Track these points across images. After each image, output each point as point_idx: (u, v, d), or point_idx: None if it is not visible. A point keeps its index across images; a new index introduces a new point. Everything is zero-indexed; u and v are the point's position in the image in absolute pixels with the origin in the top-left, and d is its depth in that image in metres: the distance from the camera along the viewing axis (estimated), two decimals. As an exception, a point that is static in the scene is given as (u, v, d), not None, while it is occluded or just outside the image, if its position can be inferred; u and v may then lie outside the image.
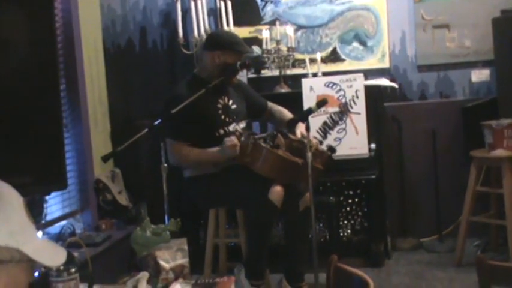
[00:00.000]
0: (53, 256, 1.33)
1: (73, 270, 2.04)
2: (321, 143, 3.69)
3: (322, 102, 3.42)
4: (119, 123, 5.11)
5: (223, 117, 3.71)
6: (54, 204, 4.29)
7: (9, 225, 1.24)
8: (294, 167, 3.40)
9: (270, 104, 3.98)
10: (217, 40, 3.77)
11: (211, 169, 3.65)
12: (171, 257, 2.31)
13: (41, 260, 1.28)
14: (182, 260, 2.33)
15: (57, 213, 4.36)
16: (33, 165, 2.59)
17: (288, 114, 3.90)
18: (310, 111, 3.36)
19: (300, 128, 3.60)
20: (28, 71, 2.77)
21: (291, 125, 3.57)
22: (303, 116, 3.38)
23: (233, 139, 3.49)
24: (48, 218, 4.19)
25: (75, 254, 3.71)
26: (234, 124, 3.73)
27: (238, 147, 3.46)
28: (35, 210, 3.86)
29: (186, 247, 2.38)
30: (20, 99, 2.70)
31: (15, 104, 2.67)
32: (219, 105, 3.72)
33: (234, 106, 3.78)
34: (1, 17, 2.70)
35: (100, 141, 4.90)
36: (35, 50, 2.79)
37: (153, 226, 2.34)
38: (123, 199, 4.83)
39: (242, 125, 3.79)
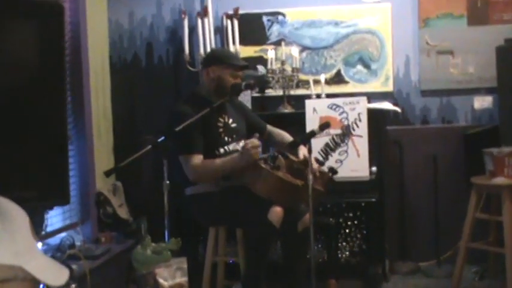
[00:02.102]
0: (56, 275, 1.35)
1: (73, 286, 2.06)
2: (322, 164, 3.70)
3: (325, 125, 3.44)
4: (122, 137, 5.15)
5: (223, 135, 3.75)
6: (55, 216, 4.29)
7: (15, 245, 1.26)
8: (294, 189, 3.41)
9: (269, 126, 4.02)
10: (211, 55, 3.92)
11: (213, 187, 3.68)
12: (170, 275, 2.33)
13: (44, 278, 1.30)
14: (181, 278, 2.36)
15: (58, 225, 4.36)
16: (37, 179, 2.61)
17: (288, 137, 3.93)
18: (312, 133, 3.38)
19: (302, 150, 3.63)
20: (35, 85, 2.79)
21: (293, 146, 3.59)
22: (305, 138, 3.40)
23: (254, 140, 3.49)
24: (49, 229, 4.19)
25: (74, 266, 3.74)
26: (234, 143, 3.76)
27: (259, 149, 3.47)
28: (36, 221, 3.87)
29: (185, 266, 2.41)
30: (26, 112, 2.73)
31: (21, 118, 2.70)
32: (220, 124, 3.76)
33: (234, 125, 3.82)
34: (11, 30, 2.73)
35: (103, 154, 4.92)
36: (43, 64, 2.82)
37: (153, 244, 2.36)
38: (123, 212, 4.84)
39: (242, 144, 3.81)
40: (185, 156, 3.62)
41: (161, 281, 2.26)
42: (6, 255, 1.24)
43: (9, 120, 2.66)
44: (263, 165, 3.47)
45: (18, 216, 1.32)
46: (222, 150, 3.71)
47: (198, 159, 3.61)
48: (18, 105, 2.71)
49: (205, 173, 3.63)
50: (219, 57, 3.80)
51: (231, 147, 3.74)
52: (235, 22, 4.87)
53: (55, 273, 1.35)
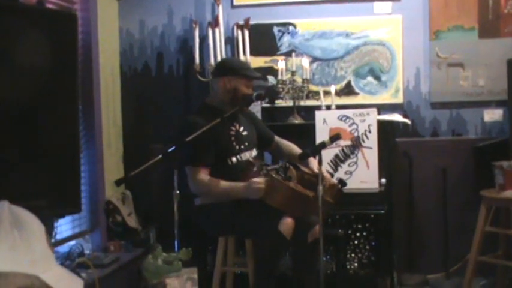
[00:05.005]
0: (71, 285, 1.36)
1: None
2: (332, 175, 3.70)
3: (335, 137, 3.45)
4: (132, 146, 5.16)
5: (235, 144, 3.76)
6: (64, 224, 4.31)
7: (31, 254, 1.27)
8: (305, 200, 3.41)
9: (277, 137, 4.03)
10: (227, 65, 3.86)
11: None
12: (181, 285, 2.33)
13: (59, 288, 1.31)
14: (192, 289, 2.36)
15: (67, 233, 4.37)
16: (49, 188, 2.62)
17: (297, 149, 3.94)
18: (323, 145, 3.39)
19: (314, 163, 3.63)
20: (48, 94, 2.81)
21: (303, 158, 3.59)
22: (315, 149, 3.40)
23: (261, 182, 3.50)
24: (58, 237, 4.21)
25: (83, 274, 3.74)
26: (246, 152, 3.77)
27: (263, 191, 3.47)
28: (46, 229, 3.88)
29: (196, 276, 2.41)
30: (38, 121, 2.74)
31: (33, 127, 2.71)
32: (232, 133, 3.77)
33: (245, 133, 3.83)
34: (24, 39, 2.75)
35: (112, 163, 4.94)
36: (56, 73, 2.83)
37: (164, 254, 2.37)
38: (132, 221, 4.85)
39: (253, 153, 3.82)
40: (191, 168, 3.63)
41: (172, 291, 2.27)
42: (23, 263, 1.25)
43: (22, 129, 2.67)
44: (274, 176, 3.48)
45: (35, 225, 1.33)
46: (234, 159, 3.73)
47: (204, 173, 3.62)
48: (30, 114, 2.72)
49: (207, 191, 3.65)
50: (235, 68, 3.79)
51: (243, 156, 3.75)
52: (246, 32, 4.87)
53: (70, 283, 1.36)
